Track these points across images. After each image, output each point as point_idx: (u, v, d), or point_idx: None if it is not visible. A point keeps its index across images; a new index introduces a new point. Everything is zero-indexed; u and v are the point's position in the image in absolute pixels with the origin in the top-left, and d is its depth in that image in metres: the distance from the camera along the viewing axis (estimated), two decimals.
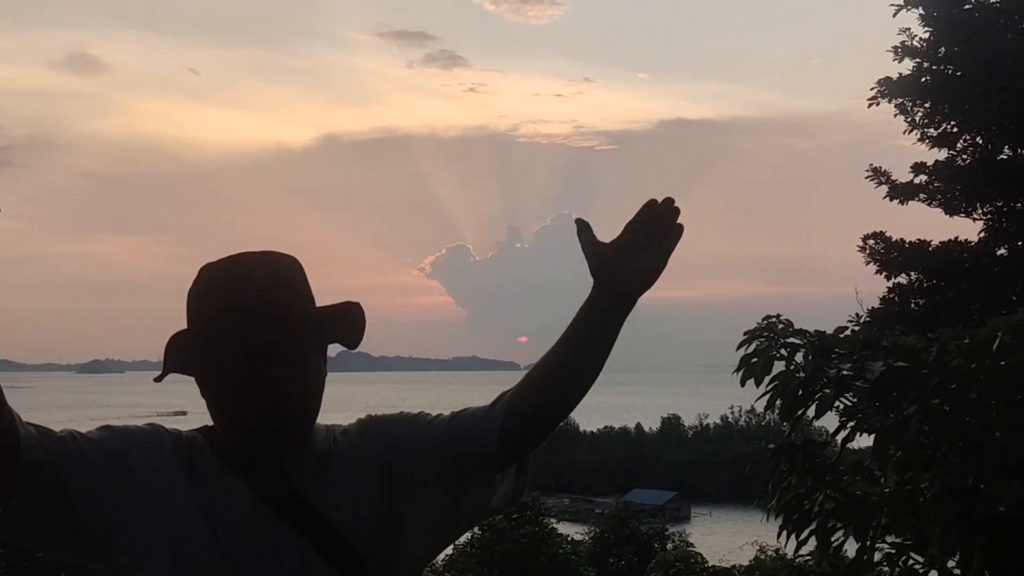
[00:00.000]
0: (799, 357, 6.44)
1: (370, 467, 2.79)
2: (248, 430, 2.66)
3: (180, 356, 2.69)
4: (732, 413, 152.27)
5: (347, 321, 2.78)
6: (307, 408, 2.71)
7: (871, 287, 22.06)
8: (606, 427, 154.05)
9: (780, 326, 6.60)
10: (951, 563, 6.18)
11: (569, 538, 51.13)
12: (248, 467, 2.67)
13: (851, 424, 6.26)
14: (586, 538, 53.04)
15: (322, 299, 2.78)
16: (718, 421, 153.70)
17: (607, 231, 2.72)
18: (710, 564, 30.09)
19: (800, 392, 6.11)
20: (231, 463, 2.68)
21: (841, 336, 6.52)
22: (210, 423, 2.80)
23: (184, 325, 2.72)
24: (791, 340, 6.52)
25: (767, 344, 6.46)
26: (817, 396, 6.08)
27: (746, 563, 23.37)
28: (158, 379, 2.78)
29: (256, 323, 2.62)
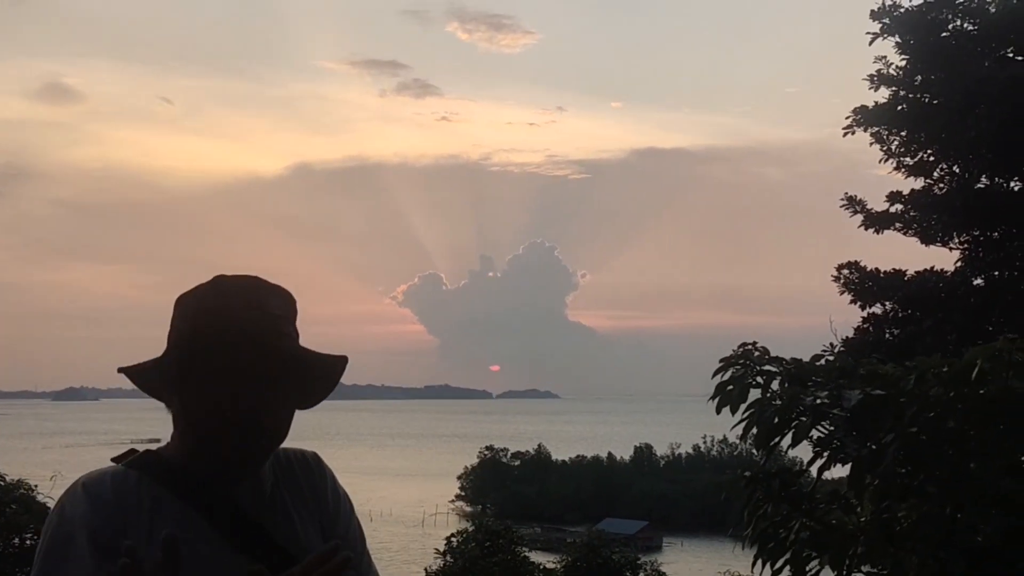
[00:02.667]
0: (775, 385, 6.37)
1: (325, 528, 2.87)
2: (213, 456, 2.64)
3: (160, 372, 2.67)
4: (704, 443, 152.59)
5: (330, 376, 2.80)
6: (276, 442, 2.73)
7: (845, 317, 22.09)
8: (578, 456, 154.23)
9: (756, 353, 6.52)
10: None
11: (541, 567, 51.13)
12: (205, 500, 2.65)
13: (827, 453, 6.20)
14: (558, 567, 52.97)
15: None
16: (690, 451, 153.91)
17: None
18: None
19: (776, 420, 6.03)
20: (187, 497, 2.65)
21: (818, 364, 6.45)
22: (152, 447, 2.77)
23: (164, 342, 2.68)
24: (767, 368, 6.45)
25: (743, 371, 6.39)
26: (793, 424, 6.01)
27: None
28: (133, 377, 2.71)
29: (246, 353, 2.60)
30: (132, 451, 2.79)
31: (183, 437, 2.70)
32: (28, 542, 29.84)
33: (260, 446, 2.68)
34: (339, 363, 2.79)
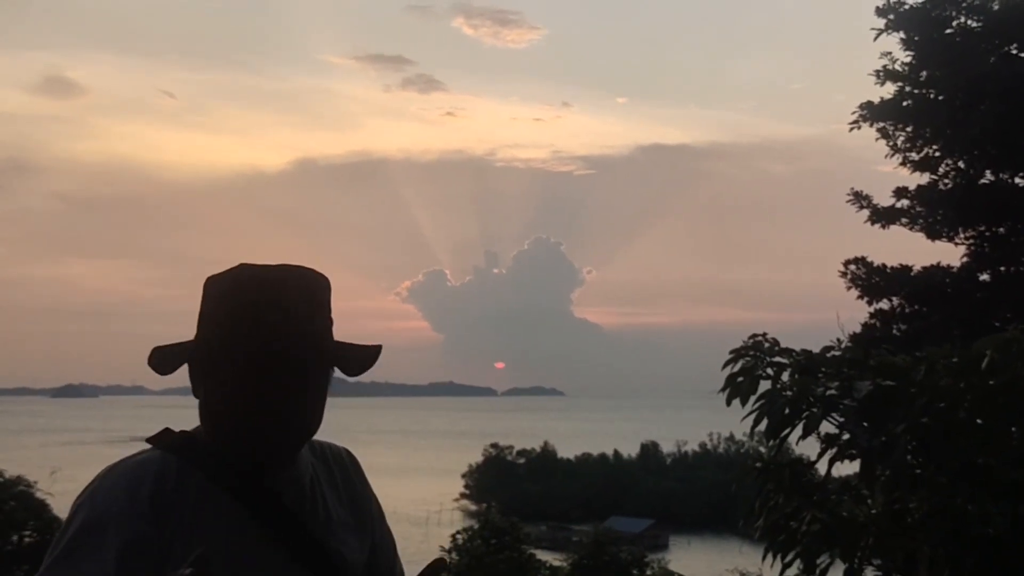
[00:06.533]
0: (785, 376, 6.36)
1: (359, 524, 2.86)
2: (246, 444, 2.60)
3: (188, 359, 2.64)
4: (711, 440, 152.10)
5: (363, 363, 2.74)
6: (309, 432, 2.70)
7: (852, 313, 22.03)
8: (584, 454, 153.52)
9: (766, 345, 6.53)
10: None
11: (548, 564, 51.03)
12: (246, 491, 2.62)
13: (836, 446, 6.20)
14: (565, 564, 52.87)
15: None
16: (696, 448, 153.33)
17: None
18: None
19: (787, 411, 6.03)
20: (230, 487, 2.61)
21: (828, 355, 6.45)
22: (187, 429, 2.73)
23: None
24: (777, 359, 6.45)
25: (753, 363, 6.39)
26: (804, 415, 6.01)
27: None
28: (162, 371, 2.66)
29: (286, 342, 2.57)
30: (167, 431, 2.73)
31: (209, 426, 2.66)
32: (27, 539, 29.76)
33: (287, 437, 2.64)
34: (371, 353, 2.74)
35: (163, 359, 2.62)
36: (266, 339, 2.55)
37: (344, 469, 2.92)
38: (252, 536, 2.59)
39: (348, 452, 2.99)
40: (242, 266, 2.66)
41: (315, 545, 2.65)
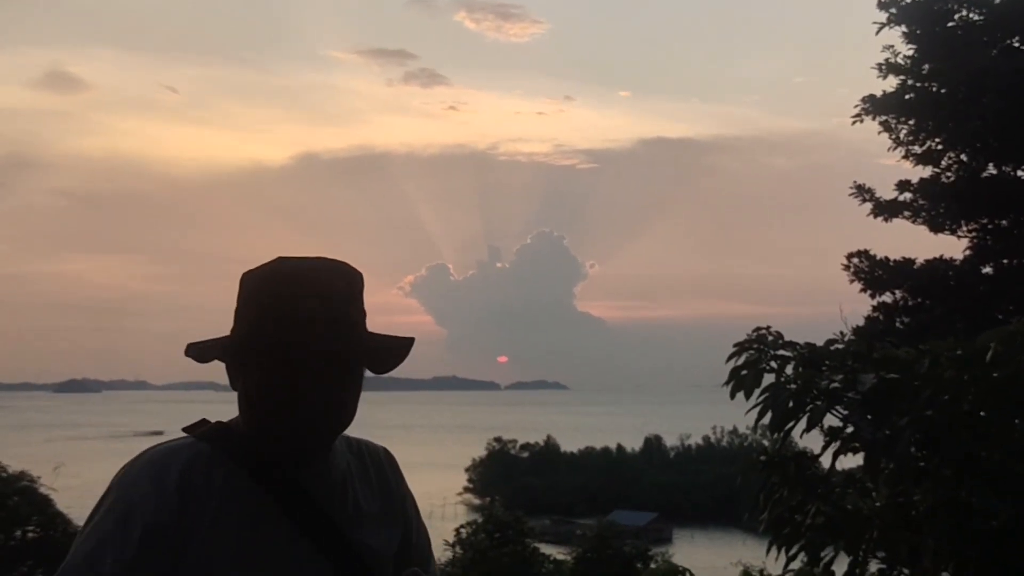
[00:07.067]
0: (789, 369, 6.36)
1: (389, 519, 2.89)
2: (276, 438, 2.64)
3: (225, 352, 2.69)
4: (714, 433, 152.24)
5: (397, 356, 2.79)
6: (344, 425, 2.73)
7: (855, 306, 22.04)
8: (587, 447, 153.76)
9: (770, 338, 6.52)
10: None
11: (551, 558, 51.09)
12: (274, 482, 2.66)
13: (840, 439, 6.20)
14: (568, 558, 52.94)
15: None
16: (700, 442, 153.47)
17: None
18: None
19: (791, 404, 6.03)
20: (259, 477, 2.66)
21: (832, 348, 6.45)
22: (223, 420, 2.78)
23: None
24: (781, 352, 6.44)
25: (757, 356, 6.39)
26: (808, 408, 6.01)
27: None
28: (200, 359, 2.69)
29: (326, 336, 2.60)
30: (204, 421, 2.78)
31: (247, 418, 2.69)
32: (30, 534, 29.73)
33: (323, 429, 2.67)
34: (404, 345, 2.77)
35: (201, 351, 2.68)
36: (304, 329, 2.59)
37: (379, 466, 2.95)
38: (277, 526, 2.63)
39: (386, 451, 3.03)
40: (279, 259, 2.71)
41: (340, 537, 2.68)
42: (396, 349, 2.76)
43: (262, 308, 2.63)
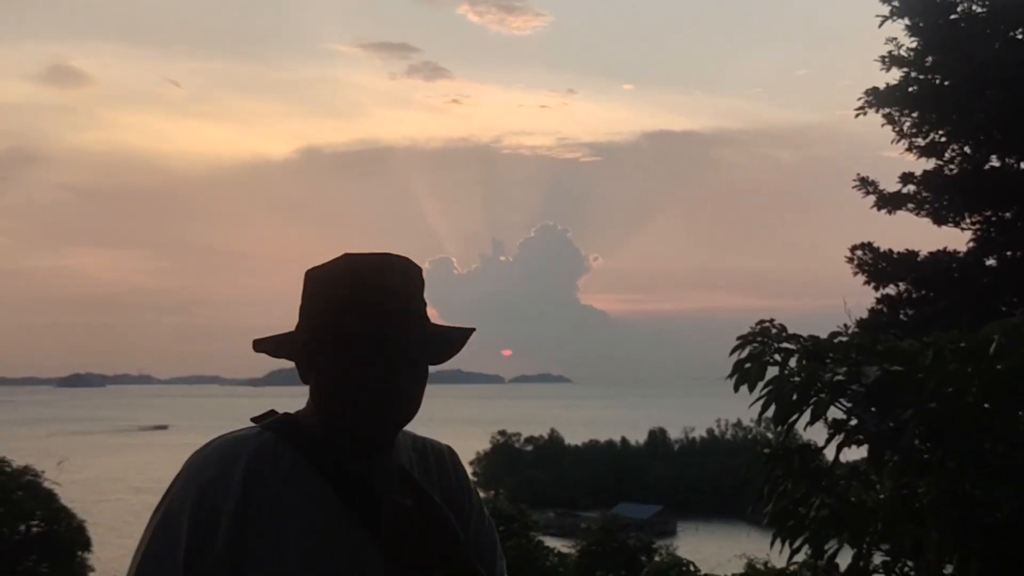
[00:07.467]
0: (793, 362, 6.37)
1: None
2: (346, 428, 2.71)
3: (294, 346, 2.76)
4: (718, 426, 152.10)
5: (456, 347, 2.88)
6: (409, 416, 2.79)
7: (859, 299, 22.04)
8: (591, 440, 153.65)
9: (774, 331, 6.53)
10: (948, 570, 6.11)
11: (556, 551, 51.13)
12: (335, 472, 2.72)
13: (844, 432, 6.20)
14: (573, 551, 52.97)
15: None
16: (704, 434, 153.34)
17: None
18: (703, 573, 30.00)
19: (794, 397, 6.04)
20: (321, 467, 2.72)
21: (835, 341, 6.45)
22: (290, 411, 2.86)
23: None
24: (785, 345, 6.46)
25: (761, 349, 6.40)
26: (812, 401, 6.01)
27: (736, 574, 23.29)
28: (274, 354, 2.82)
29: (394, 328, 2.68)
30: (272, 412, 2.86)
31: (318, 408, 2.76)
32: (34, 528, 29.76)
33: (389, 420, 2.74)
34: (465, 334, 2.86)
35: (274, 347, 2.78)
36: (371, 322, 2.66)
37: (442, 463, 2.99)
38: (336, 515, 2.68)
39: (450, 449, 3.08)
40: (345, 256, 2.78)
41: None
42: (456, 340, 2.85)
43: (330, 302, 2.70)
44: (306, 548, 2.62)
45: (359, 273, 2.71)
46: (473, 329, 2.86)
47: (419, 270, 2.83)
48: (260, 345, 2.76)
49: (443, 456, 3.02)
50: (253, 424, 2.83)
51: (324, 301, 2.72)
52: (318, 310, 2.73)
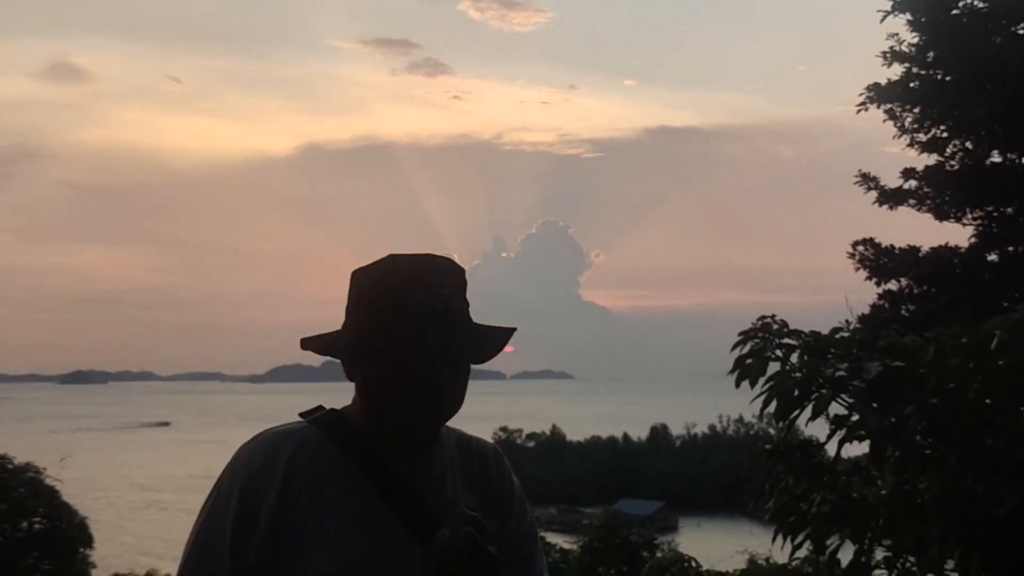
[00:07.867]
0: (794, 358, 6.37)
1: (485, 513, 2.84)
2: (390, 425, 2.78)
3: (341, 345, 2.82)
4: (720, 422, 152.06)
5: (498, 346, 2.92)
6: (451, 413, 2.85)
7: (861, 294, 22.00)
8: (593, 437, 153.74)
9: (775, 327, 6.53)
10: (950, 565, 6.11)
11: (558, 547, 51.10)
12: (376, 468, 2.77)
13: (845, 427, 6.19)
14: (575, 547, 52.97)
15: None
16: (706, 430, 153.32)
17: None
18: (704, 569, 29.97)
19: (796, 392, 6.03)
20: (362, 462, 2.78)
21: (837, 337, 6.45)
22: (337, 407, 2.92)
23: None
24: (786, 341, 6.45)
25: (762, 345, 6.40)
26: (813, 397, 6.01)
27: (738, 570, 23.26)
28: (323, 353, 2.88)
29: (437, 326, 2.74)
30: (319, 408, 2.92)
31: (364, 405, 2.82)
32: (37, 526, 29.69)
33: (432, 418, 2.80)
34: (507, 334, 2.91)
35: (323, 346, 2.84)
36: (416, 321, 2.72)
37: (485, 462, 3.02)
38: (373, 509, 2.73)
39: (495, 448, 3.11)
40: (390, 256, 2.84)
41: (433, 524, 2.74)
42: (498, 339, 2.90)
43: (376, 302, 2.76)
44: (344, 542, 2.67)
45: (403, 273, 2.77)
46: (515, 328, 2.91)
47: (462, 270, 2.87)
48: (307, 344, 2.83)
49: (487, 456, 3.05)
50: (300, 419, 2.89)
51: (368, 300, 2.78)
52: (363, 309, 2.79)
